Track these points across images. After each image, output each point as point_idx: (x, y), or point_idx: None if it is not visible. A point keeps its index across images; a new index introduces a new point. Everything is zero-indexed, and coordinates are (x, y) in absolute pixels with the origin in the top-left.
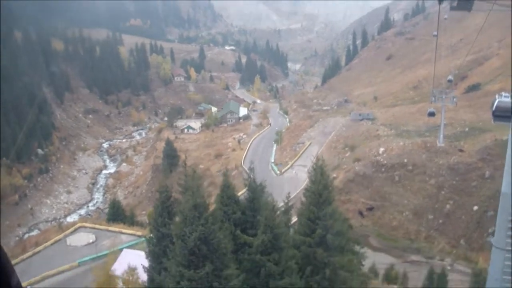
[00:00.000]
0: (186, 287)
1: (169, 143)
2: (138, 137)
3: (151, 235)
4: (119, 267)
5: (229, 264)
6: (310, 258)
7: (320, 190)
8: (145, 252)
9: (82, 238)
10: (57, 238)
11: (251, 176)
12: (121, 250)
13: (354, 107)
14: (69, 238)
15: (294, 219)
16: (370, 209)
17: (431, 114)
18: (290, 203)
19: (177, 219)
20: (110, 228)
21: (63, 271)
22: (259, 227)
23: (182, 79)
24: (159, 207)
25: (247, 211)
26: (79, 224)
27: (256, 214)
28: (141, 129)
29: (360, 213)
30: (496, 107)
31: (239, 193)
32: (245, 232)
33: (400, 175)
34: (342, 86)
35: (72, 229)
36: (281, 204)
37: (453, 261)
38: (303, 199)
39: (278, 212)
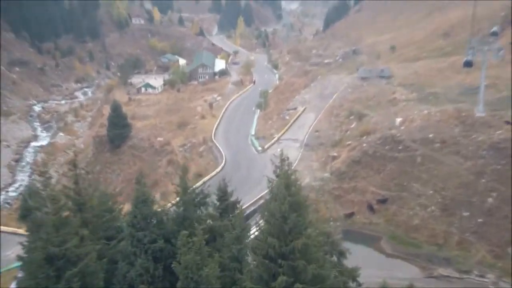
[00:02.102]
0: None
1: (116, 107)
2: (82, 98)
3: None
4: None
5: None
6: None
7: (285, 212)
8: None
9: None
10: None
11: (184, 182)
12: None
13: (364, 60)
14: None
15: None
16: (383, 201)
17: (468, 64)
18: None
19: None
20: (20, 231)
21: None
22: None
23: (143, 21)
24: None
25: (172, 238)
26: None
27: None
28: (87, 87)
29: (370, 207)
30: None
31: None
32: (168, 270)
33: (424, 155)
34: (350, 32)
35: None
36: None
37: (498, 278)
38: (261, 222)
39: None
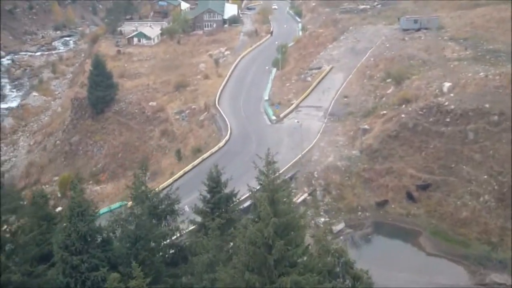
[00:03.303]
0: None
1: (98, 63)
2: (62, 49)
3: None
4: None
5: None
6: None
7: (268, 238)
8: None
9: None
10: None
11: (140, 185)
12: None
13: (408, 7)
14: None
15: None
16: (425, 187)
17: None
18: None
19: None
20: None
21: None
22: None
23: None
24: None
25: (121, 264)
26: None
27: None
28: (68, 36)
29: (408, 194)
30: None
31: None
32: None
33: (477, 130)
34: None
35: None
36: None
37: None
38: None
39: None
